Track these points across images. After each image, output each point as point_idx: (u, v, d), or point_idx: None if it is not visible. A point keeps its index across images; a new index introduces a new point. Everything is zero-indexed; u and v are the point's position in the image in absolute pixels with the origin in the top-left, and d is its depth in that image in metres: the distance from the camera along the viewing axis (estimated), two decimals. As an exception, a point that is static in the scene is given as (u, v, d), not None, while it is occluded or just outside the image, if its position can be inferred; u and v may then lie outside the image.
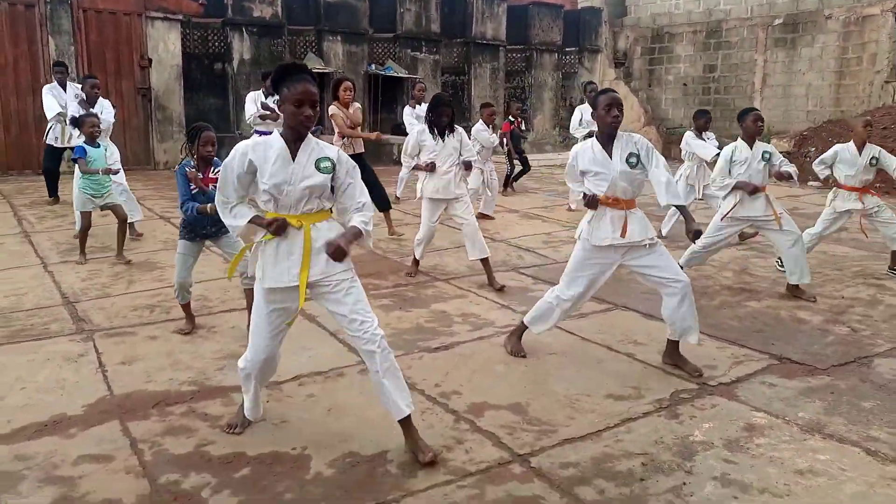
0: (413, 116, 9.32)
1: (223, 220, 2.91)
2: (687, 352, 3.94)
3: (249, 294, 4.19)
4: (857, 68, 13.99)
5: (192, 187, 4.23)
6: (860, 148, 5.91)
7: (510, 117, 10.68)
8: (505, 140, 10.27)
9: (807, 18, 14.61)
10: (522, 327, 4.17)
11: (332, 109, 7.14)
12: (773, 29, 15.10)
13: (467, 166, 5.84)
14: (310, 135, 2.82)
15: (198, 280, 5.55)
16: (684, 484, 2.73)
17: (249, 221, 2.83)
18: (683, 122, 15.94)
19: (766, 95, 15.28)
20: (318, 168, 2.76)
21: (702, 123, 7.51)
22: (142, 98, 12.27)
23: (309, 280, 2.79)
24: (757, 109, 5.49)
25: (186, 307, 4.49)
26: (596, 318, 4.85)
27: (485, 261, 5.62)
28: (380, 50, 14.57)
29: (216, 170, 4.17)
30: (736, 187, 5.22)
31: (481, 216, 8.08)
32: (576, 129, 9.36)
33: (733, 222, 5.32)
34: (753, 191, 5.15)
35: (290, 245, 2.80)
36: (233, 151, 2.77)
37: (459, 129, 5.87)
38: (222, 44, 13.04)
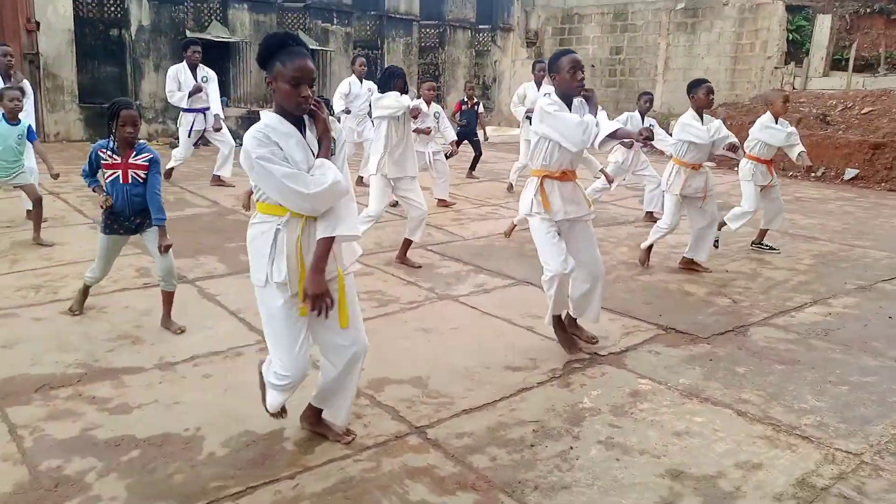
0: (344, 95, 8.87)
1: (315, 188, 2.36)
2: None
3: (168, 295, 3.98)
4: (750, 54, 14.79)
5: (103, 173, 3.83)
6: (776, 120, 6.02)
7: (465, 97, 10.38)
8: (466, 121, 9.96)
9: (706, 4, 15.27)
10: (559, 322, 3.92)
11: None
12: (676, 13, 15.71)
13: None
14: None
15: (90, 258, 5.31)
16: (571, 448, 2.87)
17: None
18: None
19: (667, 78, 15.92)
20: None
21: (647, 106, 7.31)
22: (29, 65, 11.43)
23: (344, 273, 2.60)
24: (708, 81, 5.37)
25: (86, 291, 4.21)
26: (498, 293, 4.97)
27: (409, 241, 5.59)
28: (289, 20, 14.16)
29: (139, 156, 3.82)
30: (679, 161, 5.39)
31: (440, 203, 7.99)
32: (516, 105, 8.96)
33: (685, 199, 5.44)
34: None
35: (309, 240, 2.48)
36: (254, 144, 2.33)
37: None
38: (119, 9, 12.31)
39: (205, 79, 8.33)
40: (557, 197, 3.65)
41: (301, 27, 14.19)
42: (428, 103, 7.50)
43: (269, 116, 2.41)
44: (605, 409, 3.23)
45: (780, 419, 3.18)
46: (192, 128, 8.39)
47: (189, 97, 8.21)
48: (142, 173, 3.83)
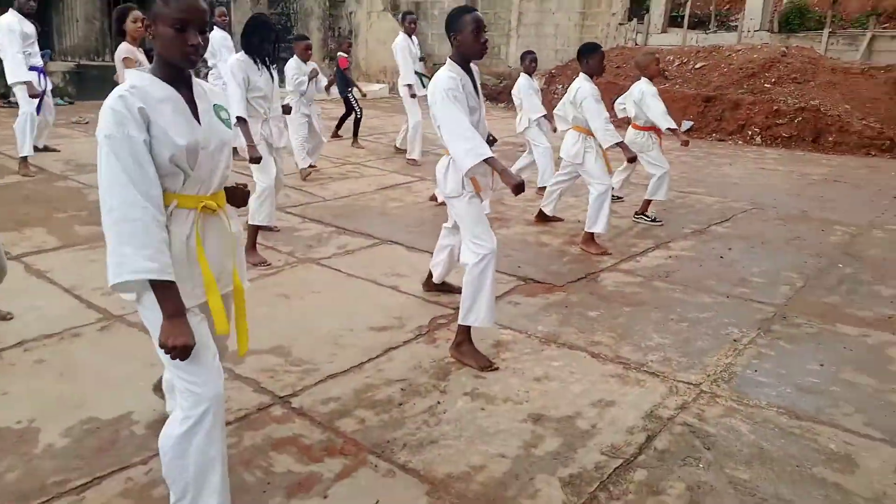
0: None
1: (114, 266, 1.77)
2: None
3: None
4: (597, 10, 15.38)
5: None
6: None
7: (341, 52, 9.76)
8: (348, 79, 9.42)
9: (555, -40, 15.63)
10: (467, 331, 3.30)
11: (124, 49, 5.31)
12: (527, -31, 15.95)
13: (286, 110, 5.04)
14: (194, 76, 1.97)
15: None
16: (438, 403, 2.90)
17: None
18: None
19: (521, 34, 16.24)
20: (220, 118, 1.98)
21: (532, 66, 7.02)
22: None
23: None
24: (601, 47, 5.20)
25: None
26: (361, 254, 4.89)
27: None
28: (119, -35, 12.85)
29: None
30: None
31: (312, 168, 7.28)
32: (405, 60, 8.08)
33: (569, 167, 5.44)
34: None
35: (212, 242, 1.96)
36: (109, 118, 1.75)
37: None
38: None
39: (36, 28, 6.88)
40: (481, 177, 3.30)
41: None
42: (304, 62, 7.11)
43: (137, 76, 1.86)
44: (473, 363, 3.29)
45: (629, 357, 3.40)
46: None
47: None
48: None
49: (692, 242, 5.48)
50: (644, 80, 5.89)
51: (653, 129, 5.90)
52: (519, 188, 3.08)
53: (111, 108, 1.76)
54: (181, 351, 1.79)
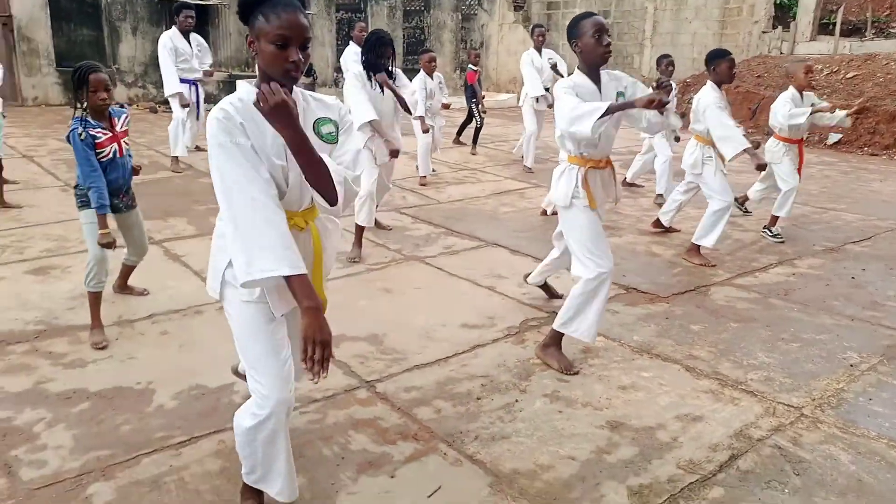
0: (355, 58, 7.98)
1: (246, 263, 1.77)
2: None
3: (129, 269, 3.81)
4: (737, 18, 14.61)
5: (98, 152, 3.23)
6: (802, 96, 5.48)
7: (471, 65, 9.81)
8: (478, 91, 9.46)
9: (695, -33, 15.04)
10: (558, 337, 3.28)
11: None
12: (664, -24, 15.47)
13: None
14: (297, 88, 1.92)
15: (58, 220, 5.31)
16: (516, 401, 2.92)
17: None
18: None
19: (655, 43, 15.75)
20: (319, 135, 1.94)
21: (669, 70, 6.69)
22: (2, 27, 11.24)
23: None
24: (730, 53, 4.93)
25: (96, 301, 3.36)
26: (466, 255, 4.99)
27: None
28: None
29: (120, 121, 3.37)
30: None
31: (422, 180, 7.30)
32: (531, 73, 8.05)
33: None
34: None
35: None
36: (215, 126, 1.79)
37: (399, 72, 4.91)
38: (93, -30, 12.07)
39: (199, 48, 7.50)
40: (599, 188, 3.19)
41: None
42: (430, 75, 7.29)
43: (245, 89, 1.88)
44: (555, 364, 3.27)
45: (727, 374, 3.23)
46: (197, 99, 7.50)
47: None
48: (128, 140, 3.45)
49: (822, 261, 5.09)
50: (792, 90, 5.46)
51: (792, 140, 5.50)
52: None
53: (217, 119, 1.80)
54: (323, 345, 1.80)
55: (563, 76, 7.98)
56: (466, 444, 2.58)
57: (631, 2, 16.06)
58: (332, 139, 1.96)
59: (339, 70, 12.09)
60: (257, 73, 1.90)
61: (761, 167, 5.07)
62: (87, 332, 3.37)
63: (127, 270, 3.88)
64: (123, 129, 3.39)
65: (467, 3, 17.27)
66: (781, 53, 13.72)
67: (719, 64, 4.82)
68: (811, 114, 5.37)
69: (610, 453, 2.57)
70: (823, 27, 14.29)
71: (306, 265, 1.86)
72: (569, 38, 3.10)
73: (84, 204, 3.32)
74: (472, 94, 9.60)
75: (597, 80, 3.08)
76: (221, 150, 1.79)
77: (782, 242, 5.51)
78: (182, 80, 7.30)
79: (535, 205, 6.55)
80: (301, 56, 1.80)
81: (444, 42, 16.79)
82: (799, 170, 5.56)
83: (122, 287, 3.92)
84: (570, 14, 16.99)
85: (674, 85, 6.71)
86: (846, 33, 13.83)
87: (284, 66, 1.79)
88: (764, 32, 14.18)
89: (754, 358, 3.42)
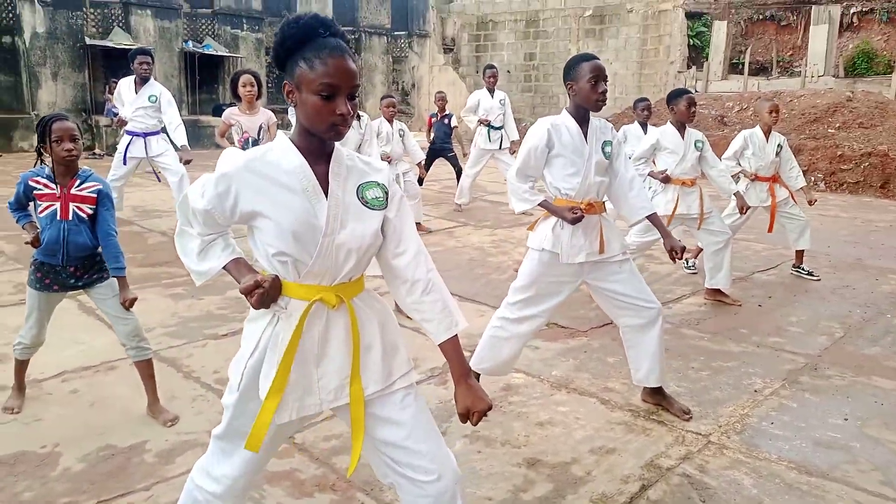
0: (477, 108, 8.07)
1: (182, 258, 1.79)
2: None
3: (144, 366, 3.14)
4: (654, 59, 15.43)
5: (37, 206, 2.96)
6: (767, 134, 5.46)
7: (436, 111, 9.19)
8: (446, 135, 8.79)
9: (612, 11, 15.85)
10: (475, 376, 3.11)
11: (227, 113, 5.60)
12: (584, 20, 16.23)
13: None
14: (338, 145, 1.71)
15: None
16: (436, 444, 2.94)
17: (226, 268, 1.75)
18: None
19: (579, 82, 16.42)
20: (364, 201, 1.70)
21: (644, 115, 6.55)
22: None
23: (365, 396, 1.74)
24: (690, 92, 4.83)
25: (21, 369, 3.18)
26: (391, 298, 5.01)
27: None
28: (197, 26, 13.87)
29: (83, 185, 2.97)
30: (651, 176, 4.83)
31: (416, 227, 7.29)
32: (467, 114, 8.26)
33: (673, 220, 4.79)
34: (665, 180, 4.78)
35: (324, 337, 1.71)
36: (220, 166, 1.66)
37: (364, 115, 4.88)
38: (10, 15, 11.78)
39: (153, 98, 6.58)
40: (580, 232, 3.01)
41: (210, 34, 13.93)
42: (389, 121, 7.04)
43: (281, 143, 1.68)
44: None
45: (640, 405, 3.35)
46: (126, 153, 6.64)
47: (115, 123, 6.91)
48: (87, 208, 2.98)
49: (731, 290, 5.33)
50: (757, 129, 5.53)
51: (763, 179, 5.54)
52: None
53: (223, 160, 1.70)
54: None
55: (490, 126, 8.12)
56: (385, 491, 2.58)
57: (555, 44, 16.74)
58: (378, 204, 1.71)
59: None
60: (294, 126, 1.72)
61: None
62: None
63: (142, 370, 3.14)
64: (80, 192, 2.97)
65: (398, 45, 17.61)
66: (696, 91, 14.50)
67: (678, 103, 4.72)
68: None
69: (526, 491, 2.61)
70: (734, 66, 15.23)
71: (336, 353, 1.70)
72: (564, 78, 3.02)
73: (30, 282, 3.06)
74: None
75: (584, 123, 3.02)
76: (201, 184, 1.68)
77: (818, 279, 5.58)
78: (127, 131, 6.66)
79: (463, 243, 6.66)
80: (349, 107, 1.59)
81: (376, 84, 17.03)
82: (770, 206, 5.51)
83: (153, 403, 3.14)
84: (498, 56, 17.56)
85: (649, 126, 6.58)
86: (754, 72, 14.78)
87: (330, 119, 1.58)
88: (679, 72, 15.00)
89: (666, 388, 3.55)
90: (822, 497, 2.60)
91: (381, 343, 1.78)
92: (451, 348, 1.76)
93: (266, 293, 1.63)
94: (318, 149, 1.66)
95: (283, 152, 1.65)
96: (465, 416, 1.76)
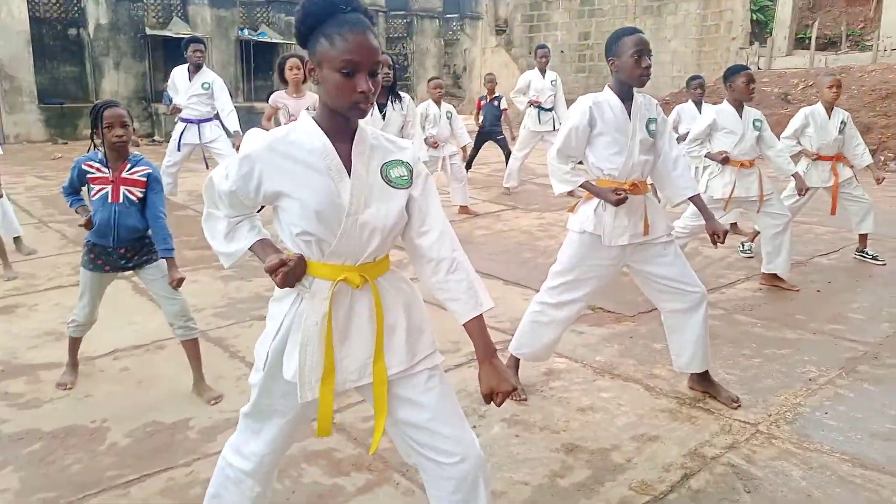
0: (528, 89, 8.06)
1: (209, 241, 1.82)
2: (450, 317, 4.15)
3: (190, 345, 3.21)
4: (715, 35, 14.85)
5: (90, 189, 3.08)
6: (829, 111, 5.18)
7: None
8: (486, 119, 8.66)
9: (670, -13, 15.31)
10: (515, 361, 3.23)
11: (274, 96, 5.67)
12: (641, -3, 15.73)
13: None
14: (363, 123, 1.68)
15: (27, 258, 5.31)
16: (474, 427, 2.82)
17: (252, 248, 1.76)
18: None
19: (635, 62, 15.96)
20: (388, 180, 1.67)
21: (698, 93, 6.46)
22: (-15, 66, 11.35)
23: (388, 376, 1.73)
24: (748, 68, 4.62)
25: (74, 346, 3.32)
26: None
27: None
28: (252, 14, 14.09)
29: (134, 169, 3.07)
30: (710, 157, 4.63)
31: (462, 210, 7.14)
32: (517, 95, 8.16)
33: (731, 204, 4.64)
34: (724, 161, 4.55)
35: (348, 316, 1.70)
36: (243, 148, 1.64)
37: (405, 96, 4.95)
38: (76, 8, 12.22)
39: (206, 85, 6.65)
40: (623, 214, 2.92)
41: (265, 21, 14.13)
42: (437, 103, 6.97)
43: (303, 122, 1.67)
44: (518, 388, 3.28)
45: (686, 393, 3.24)
46: (180, 139, 6.74)
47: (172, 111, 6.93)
48: (138, 192, 3.07)
49: (790, 275, 5.10)
50: (819, 105, 5.25)
51: (825, 159, 5.28)
52: None
53: (247, 140, 1.65)
54: None
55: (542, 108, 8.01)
56: (420, 473, 2.57)
57: (611, 23, 16.28)
58: (403, 183, 1.68)
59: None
60: (318, 104, 1.69)
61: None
62: (47, 371, 3.37)
63: (189, 349, 3.22)
64: (131, 175, 3.06)
65: (450, 28, 17.50)
66: (759, 69, 13.91)
67: (735, 80, 4.48)
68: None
69: (563, 477, 2.56)
70: (799, 42, 14.54)
71: (360, 333, 1.70)
72: (606, 54, 2.92)
73: (83, 263, 3.19)
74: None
75: (628, 99, 2.91)
76: (225, 167, 1.69)
77: (883, 264, 5.33)
78: (181, 119, 6.76)
79: (510, 227, 6.59)
80: (371, 84, 1.56)
81: (428, 68, 16.97)
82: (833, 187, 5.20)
83: (199, 382, 3.22)
84: (551, 37, 17.24)
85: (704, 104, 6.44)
86: (821, 47, 14.06)
87: (352, 97, 1.55)
88: (741, 48, 14.40)
89: (714, 375, 3.42)
90: (876, 491, 2.46)
91: (405, 324, 1.76)
92: (477, 328, 1.72)
93: (291, 271, 1.62)
94: (341, 127, 1.63)
95: (306, 132, 1.63)
96: (488, 397, 1.72)
